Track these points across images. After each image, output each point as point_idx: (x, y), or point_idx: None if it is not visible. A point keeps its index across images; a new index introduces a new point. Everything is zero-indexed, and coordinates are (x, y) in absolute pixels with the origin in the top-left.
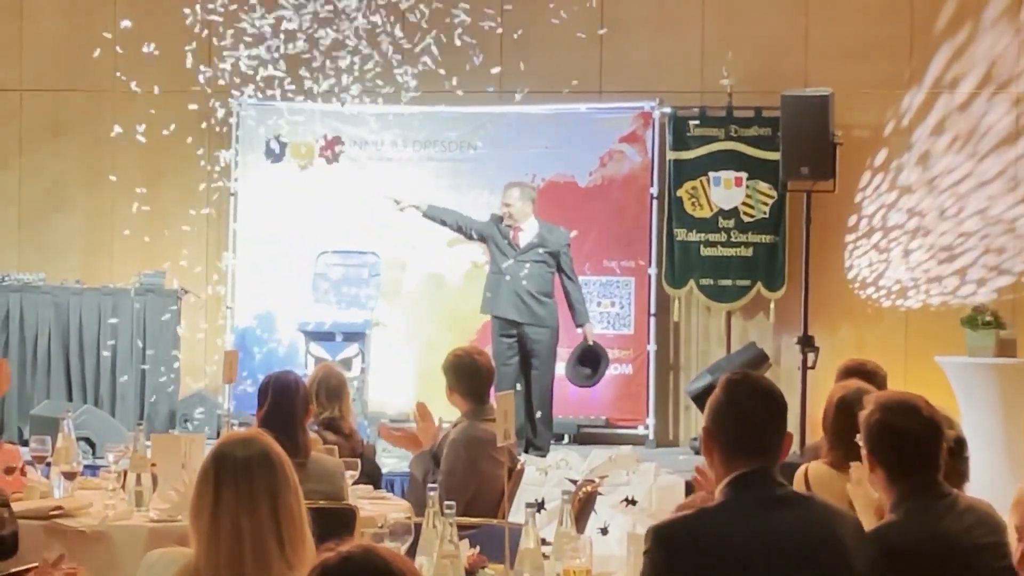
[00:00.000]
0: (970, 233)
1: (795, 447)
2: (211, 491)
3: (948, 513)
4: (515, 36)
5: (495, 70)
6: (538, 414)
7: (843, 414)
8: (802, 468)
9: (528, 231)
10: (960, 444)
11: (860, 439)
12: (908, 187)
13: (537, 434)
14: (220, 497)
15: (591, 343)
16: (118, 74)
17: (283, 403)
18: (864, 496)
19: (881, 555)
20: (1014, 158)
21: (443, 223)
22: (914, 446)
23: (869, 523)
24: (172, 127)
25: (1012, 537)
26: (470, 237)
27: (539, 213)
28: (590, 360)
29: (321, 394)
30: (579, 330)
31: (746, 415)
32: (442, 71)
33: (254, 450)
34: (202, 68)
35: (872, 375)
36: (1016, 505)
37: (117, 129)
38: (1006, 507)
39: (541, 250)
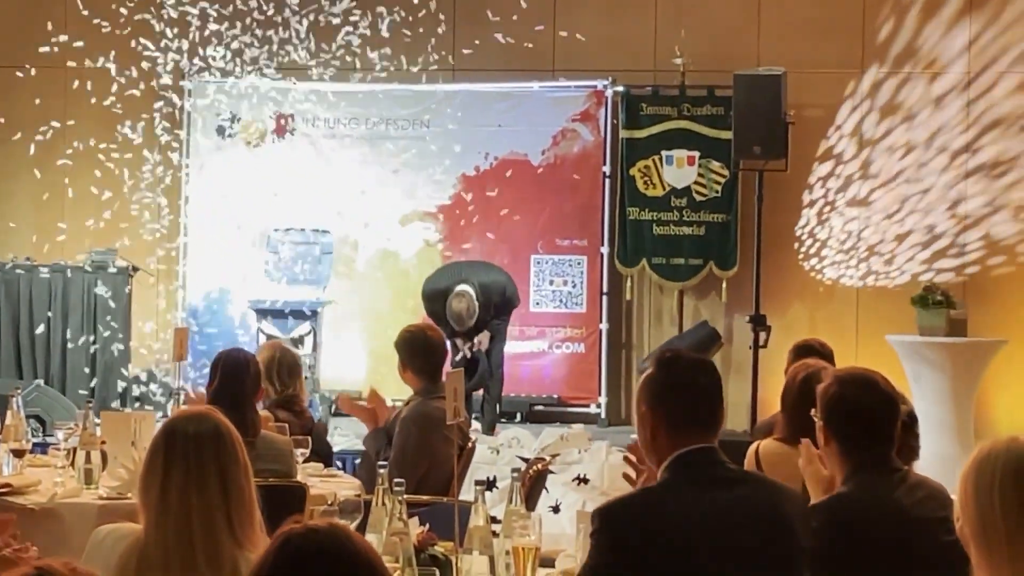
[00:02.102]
0: (922, 213)
1: (746, 426)
2: (160, 466)
3: (899, 486)
4: (467, 14)
5: (448, 48)
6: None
7: (809, 391)
8: (753, 446)
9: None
10: (912, 419)
11: (816, 413)
12: (860, 167)
13: (483, 410)
14: (169, 473)
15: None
16: (69, 51)
17: (233, 381)
18: (815, 474)
19: (831, 525)
20: (965, 138)
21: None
22: (870, 420)
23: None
24: (123, 104)
25: (957, 509)
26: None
27: (492, 192)
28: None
29: (283, 373)
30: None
31: (690, 390)
32: (394, 49)
33: (205, 427)
34: (153, 45)
35: (820, 354)
36: (960, 480)
37: (68, 107)
38: (955, 486)
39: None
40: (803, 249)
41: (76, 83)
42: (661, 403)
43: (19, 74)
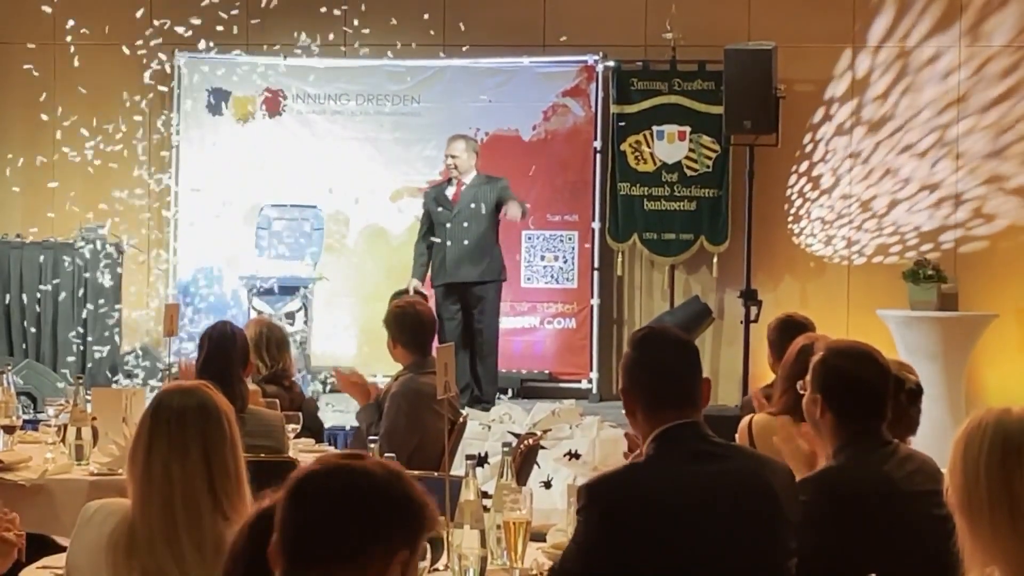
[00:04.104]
0: (913, 187)
1: (738, 400)
2: (146, 437)
3: (889, 459)
4: None
5: (438, 23)
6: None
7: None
8: (746, 419)
9: (468, 185)
10: (919, 390)
11: (806, 383)
12: (851, 141)
13: (482, 389)
14: (153, 443)
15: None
16: (58, 25)
17: (219, 354)
18: (794, 452)
19: (822, 499)
20: (957, 112)
21: (425, 263)
22: (866, 394)
23: (800, 476)
24: (114, 80)
25: (946, 477)
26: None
27: (482, 167)
28: None
29: (272, 349)
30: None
31: (662, 369)
32: (385, 25)
33: (191, 401)
34: (144, 20)
35: (805, 328)
36: (951, 448)
37: (58, 82)
38: (946, 460)
39: (477, 205)
40: (794, 223)
41: (65, 58)
42: (635, 383)
43: (8, 49)
